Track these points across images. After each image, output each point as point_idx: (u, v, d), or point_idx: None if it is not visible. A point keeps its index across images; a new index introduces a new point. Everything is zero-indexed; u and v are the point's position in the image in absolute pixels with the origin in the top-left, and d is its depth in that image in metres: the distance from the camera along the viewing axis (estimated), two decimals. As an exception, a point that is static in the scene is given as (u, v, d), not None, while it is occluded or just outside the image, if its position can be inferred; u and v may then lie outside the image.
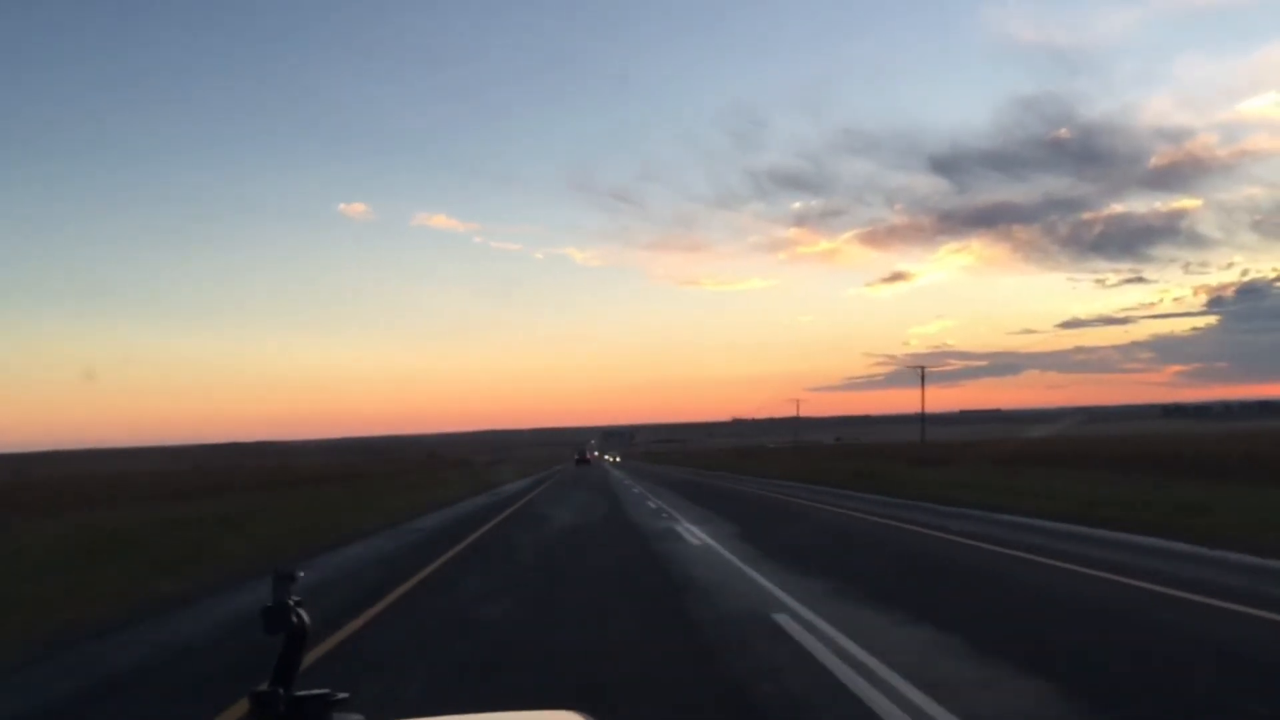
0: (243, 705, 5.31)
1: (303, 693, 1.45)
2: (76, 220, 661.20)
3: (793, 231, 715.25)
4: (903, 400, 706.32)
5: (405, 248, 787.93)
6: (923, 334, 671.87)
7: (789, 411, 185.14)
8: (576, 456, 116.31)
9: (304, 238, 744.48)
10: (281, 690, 1.44)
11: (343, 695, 1.47)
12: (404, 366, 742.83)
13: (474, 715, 1.76)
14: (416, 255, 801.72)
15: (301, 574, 1.55)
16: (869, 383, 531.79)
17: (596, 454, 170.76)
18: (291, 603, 1.48)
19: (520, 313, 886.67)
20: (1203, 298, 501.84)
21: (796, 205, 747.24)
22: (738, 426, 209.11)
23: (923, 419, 68.74)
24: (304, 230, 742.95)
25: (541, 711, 1.86)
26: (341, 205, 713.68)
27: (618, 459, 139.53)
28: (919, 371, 68.45)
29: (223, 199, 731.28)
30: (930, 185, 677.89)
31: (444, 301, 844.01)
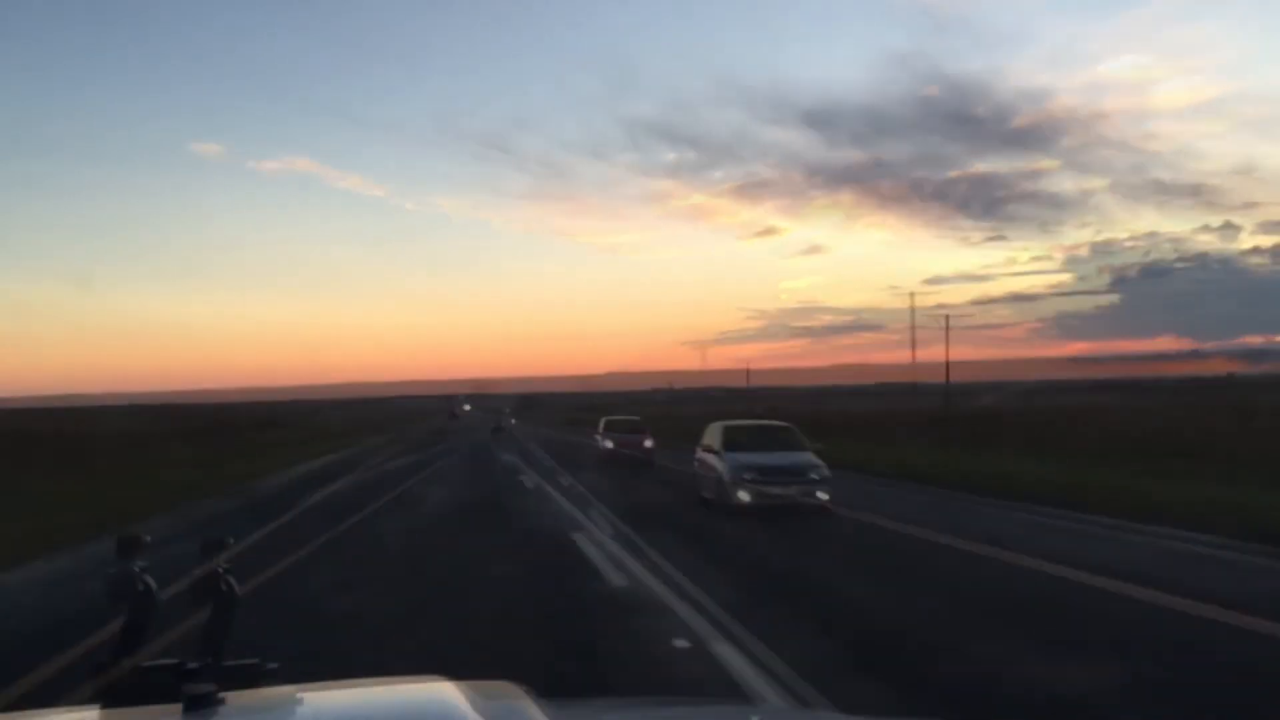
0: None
1: (231, 663, 1.38)
2: None
3: (666, 184, 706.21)
4: (780, 353, 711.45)
5: (263, 191, 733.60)
6: (794, 288, 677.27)
7: (666, 365, 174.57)
8: (450, 412, 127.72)
9: (152, 177, 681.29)
10: (210, 660, 1.37)
11: (272, 665, 1.40)
12: (258, 318, 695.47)
13: (410, 679, 1.66)
14: (275, 199, 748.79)
15: (231, 540, 1.47)
16: (741, 336, 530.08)
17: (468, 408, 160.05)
18: (220, 570, 1.43)
19: (385, 262, 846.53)
20: (1059, 257, 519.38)
21: (671, 157, 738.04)
22: (614, 379, 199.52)
23: (948, 374, 56.34)
24: (152, 169, 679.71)
25: (481, 681, 1.60)
26: (194, 144, 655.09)
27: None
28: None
29: (63, 133, 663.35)
30: (803, 140, 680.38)
31: (303, 249, 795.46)
